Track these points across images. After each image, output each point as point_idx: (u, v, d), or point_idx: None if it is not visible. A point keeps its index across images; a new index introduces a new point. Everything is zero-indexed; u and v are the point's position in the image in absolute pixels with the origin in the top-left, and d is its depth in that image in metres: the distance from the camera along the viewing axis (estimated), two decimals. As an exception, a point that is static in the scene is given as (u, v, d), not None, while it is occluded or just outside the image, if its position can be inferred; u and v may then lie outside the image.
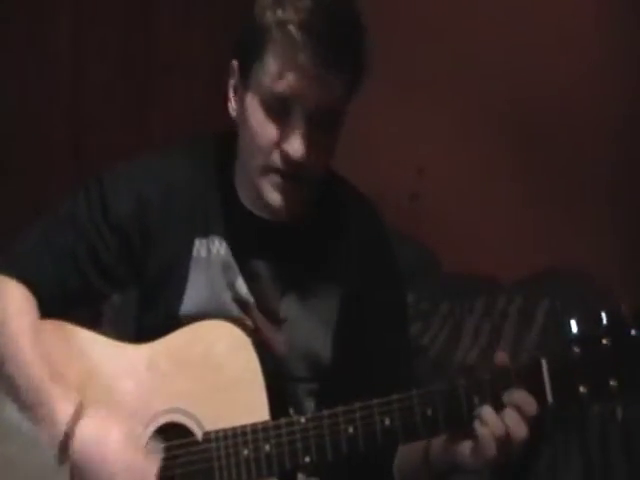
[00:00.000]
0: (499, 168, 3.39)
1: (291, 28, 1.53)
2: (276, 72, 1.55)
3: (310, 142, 1.57)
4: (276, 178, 1.60)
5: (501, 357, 1.48)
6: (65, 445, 1.55)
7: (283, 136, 1.57)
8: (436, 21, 3.43)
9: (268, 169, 1.60)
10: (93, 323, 1.74)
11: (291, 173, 1.59)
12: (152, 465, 1.55)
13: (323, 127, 1.59)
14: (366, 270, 1.72)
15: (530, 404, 1.44)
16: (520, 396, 1.45)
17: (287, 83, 1.55)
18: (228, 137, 1.70)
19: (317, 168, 1.61)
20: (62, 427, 1.55)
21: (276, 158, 1.59)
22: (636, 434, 2.46)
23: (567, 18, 3.33)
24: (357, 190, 1.79)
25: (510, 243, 3.34)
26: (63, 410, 1.56)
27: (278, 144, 1.58)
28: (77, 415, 1.56)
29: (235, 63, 1.64)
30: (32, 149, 3.44)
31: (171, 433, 1.59)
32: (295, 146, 1.56)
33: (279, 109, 1.57)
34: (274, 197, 1.61)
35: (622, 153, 3.29)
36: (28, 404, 1.60)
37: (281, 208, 1.62)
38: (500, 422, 1.44)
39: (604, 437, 2.47)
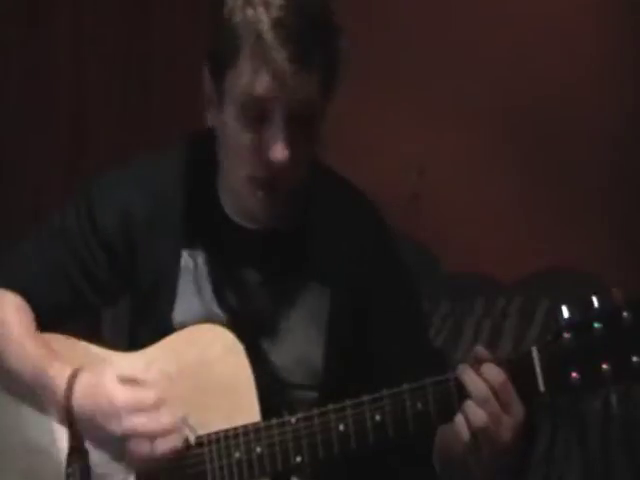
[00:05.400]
0: (499, 168, 3.39)
1: (262, 27, 1.50)
2: (250, 74, 1.52)
3: (291, 145, 1.54)
4: (260, 193, 1.58)
5: (480, 352, 1.47)
6: (68, 405, 1.54)
7: (264, 143, 1.54)
8: (437, 22, 3.43)
9: (252, 181, 1.58)
10: (92, 330, 1.75)
11: (274, 180, 1.57)
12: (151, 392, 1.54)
13: (301, 130, 1.56)
14: (365, 265, 1.70)
15: (497, 374, 1.41)
16: (489, 370, 1.43)
17: (262, 84, 1.52)
18: (212, 138, 1.67)
19: (298, 173, 1.58)
20: (62, 387, 1.55)
21: (259, 167, 1.56)
22: (636, 431, 2.45)
23: (567, 20, 3.33)
24: (347, 182, 1.77)
25: (510, 243, 3.34)
26: (61, 372, 1.57)
27: (259, 152, 1.55)
28: (75, 373, 1.56)
29: (206, 70, 1.60)
30: (32, 149, 3.44)
31: None
32: (277, 151, 1.53)
33: (257, 115, 1.54)
34: (260, 212, 1.60)
35: (622, 154, 3.29)
36: (28, 383, 1.60)
37: (267, 220, 1.62)
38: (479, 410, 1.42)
39: (604, 434, 2.47)
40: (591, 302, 1.40)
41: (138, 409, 1.52)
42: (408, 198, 3.46)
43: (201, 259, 1.68)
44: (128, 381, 1.54)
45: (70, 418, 1.54)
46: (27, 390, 1.62)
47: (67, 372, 1.57)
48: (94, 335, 1.71)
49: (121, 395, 1.53)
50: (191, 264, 1.68)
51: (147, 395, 1.53)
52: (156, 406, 1.52)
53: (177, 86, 3.51)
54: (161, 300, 1.68)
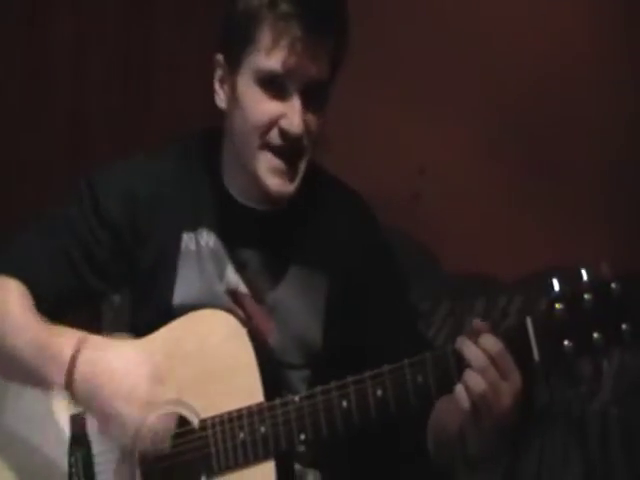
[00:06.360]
0: (500, 168, 3.38)
1: (282, 5, 1.58)
2: (269, 47, 1.59)
3: (305, 117, 1.61)
4: (274, 160, 1.63)
5: (477, 324, 1.50)
6: (71, 372, 1.56)
7: (281, 113, 1.61)
8: (437, 21, 3.43)
9: (265, 147, 1.63)
10: (93, 324, 1.76)
11: (288, 149, 1.62)
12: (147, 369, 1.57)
13: (314, 102, 1.63)
14: (356, 253, 1.74)
15: (495, 343, 1.46)
16: (487, 340, 1.46)
17: (281, 56, 1.58)
18: (214, 133, 1.74)
19: (310, 144, 1.64)
20: (67, 357, 1.57)
21: (274, 135, 1.62)
22: (636, 433, 2.46)
23: (568, 16, 3.33)
24: (342, 182, 1.82)
25: (510, 243, 3.34)
26: (66, 344, 1.59)
27: (276, 121, 1.61)
28: (80, 343, 1.58)
29: (220, 56, 1.68)
30: (32, 149, 3.44)
31: (169, 424, 1.60)
32: (294, 122, 1.60)
33: (274, 86, 1.61)
34: (272, 181, 1.64)
35: (622, 153, 3.29)
36: (31, 360, 1.61)
37: (278, 192, 1.65)
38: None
39: (604, 436, 2.47)
40: (581, 275, 1.46)
41: (132, 399, 1.56)
42: (408, 198, 3.46)
43: (204, 239, 1.71)
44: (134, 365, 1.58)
45: (71, 388, 1.57)
46: (29, 370, 1.62)
47: (72, 344, 1.59)
48: (94, 329, 1.71)
49: (122, 378, 1.56)
50: (193, 245, 1.71)
51: (144, 389, 1.57)
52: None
53: (177, 86, 3.52)
54: (161, 283, 1.71)
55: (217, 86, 1.69)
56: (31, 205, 3.31)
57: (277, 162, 1.63)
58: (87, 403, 1.56)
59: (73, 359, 1.57)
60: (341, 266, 1.72)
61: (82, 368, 1.57)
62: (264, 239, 1.71)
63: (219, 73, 1.69)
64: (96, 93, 3.52)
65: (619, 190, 3.29)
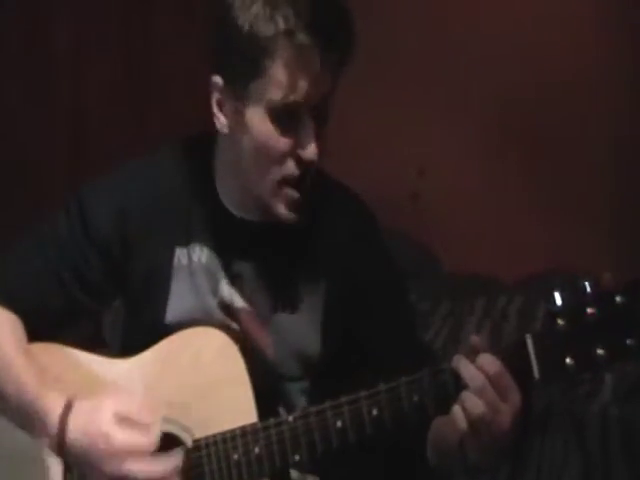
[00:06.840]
0: (500, 168, 3.39)
1: (300, 35, 1.51)
2: (288, 82, 1.52)
3: (319, 139, 1.57)
4: (292, 192, 1.59)
5: (475, 341, 1.46)
6: (61, 438, 1.54)
7: (296, 145, 1.56)
8: (437, 21, 3.43)
9: (283, 182, 1.59)
10: (93, 333, 1.75)
11: (303, 175, 1.58)
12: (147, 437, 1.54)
13: (321, 119, 1.58)
14: (355, 259, 1.70)
15: (493, 363, 1.42)
16: (484, 359, 1.43)
17: (301, 91, 1.53)
18: (205, 138, 1.69)
19: (321, 159, 1.61)
20: (55, 420, 1.55)
21: (291, 166, 1.57)
22: (636, 434, 2.45)
23: (569, 17, 3.33)
24: (341, 184, 1.77)
25: (510, 243, 3.34)
26: (54, 404, 1.56)
27: (292, 152, 1.57)
28: (69, 405, 1.55)
29: (219, 79, 1.58)
30: (32, 149, 3.45)
31: (162, 443, 1.59)
32: (310, 149, 1.55)
33: (289, 118, 1.55)
34: (289, 213, 1.61)
35: (622, 154, 3.29)
36: (18, 408, 1.60)
37: (296, 220, 1.62)
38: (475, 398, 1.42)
39: (604, 437, 2.47)
40: (584, 287, 1.39)
41: (136, 454, 1.52)
42: (408, 198, 3.46)
43: (196, 254, 1.68)
44: (125, 420, 1.53)
45: (62, 453, 1.55)
46: (17, 415, 1.61)
47: (60, 405, 1.56)
48: (95, 339, 1.70)
49: (119, 436, 1.52)
50: (185, 260, 1.68)
51: (145, 441, 1.53)
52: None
53: (177, 86, 3.52)
54: (154, 298, 1.68)
55: (216, 109, 1.60)
56: (31, 206, 3.31)
57: (296, 195, 1.59)
58: (81, 463, 1.56)
59: (63, 420, 1.54)
60: (340, 273, 1.70)
61: (73, 430, 1.54)
62: (260, 250, 1.67)
63: (217, 96, 1.59)
64: (96, 93, 3.53)
65: (620, 191, 3.29)
